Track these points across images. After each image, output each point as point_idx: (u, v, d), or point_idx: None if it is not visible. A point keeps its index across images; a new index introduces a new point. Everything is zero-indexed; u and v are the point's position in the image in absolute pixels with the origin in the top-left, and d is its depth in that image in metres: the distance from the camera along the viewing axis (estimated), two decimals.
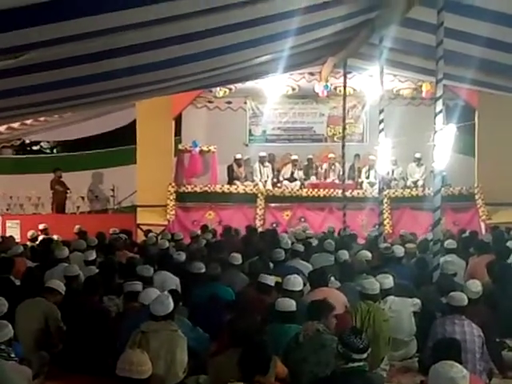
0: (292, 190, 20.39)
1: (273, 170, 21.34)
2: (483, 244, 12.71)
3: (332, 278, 9.67)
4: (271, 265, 10.88)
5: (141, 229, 18.46)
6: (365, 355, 5.68)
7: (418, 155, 20.50)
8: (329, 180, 20.82)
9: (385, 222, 17.72)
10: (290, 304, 7.44)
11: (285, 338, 7.01)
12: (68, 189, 21.55)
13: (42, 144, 30.40)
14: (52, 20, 7.24)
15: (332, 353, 6.13)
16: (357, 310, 8.07)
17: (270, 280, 8.89)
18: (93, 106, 16.46)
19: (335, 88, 20.22)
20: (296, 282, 8.38)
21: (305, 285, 9.62)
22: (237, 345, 6.25)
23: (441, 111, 10.66)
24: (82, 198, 22.46)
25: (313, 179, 21.12)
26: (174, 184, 19.87)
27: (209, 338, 7.88)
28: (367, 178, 20.89)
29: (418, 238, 14.97)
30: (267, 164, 21.14)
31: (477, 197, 19.98)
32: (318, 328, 6.86)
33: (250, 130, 22.54)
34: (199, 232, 15.99)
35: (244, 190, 20.14)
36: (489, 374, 7.61)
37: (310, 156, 21.72)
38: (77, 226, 16.40)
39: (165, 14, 8.33)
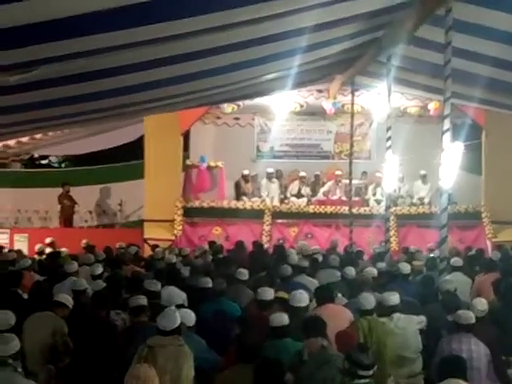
0: (299, 206, 20.38)
1: (280, 186, 21.33)
2: (489, 262, 12.69)
3: (339, 295, 9.67)
4: (278, 281, 10.88)
5: (148, 243, 18.45)
6: (371, 372, 5.70)
7: (422, 172, 20.41)
8: (335, 197, 20.79)
9: (391, 239, 17.70)
10: (282, 318, 7.44)
11: (284, 354, 7.00)
12: (76, 203, 21.61)
13: (50, 158, 30.52)
14: (63, 36, 7.31)
15: (337, 369, 6.14)
16: (359, 327, 8.07)
17: (269, 295, 8.84)
18: (101, 122, 16.55)
19: (343, 105, 20.35)
20: (302, 298, 8.38)
21: (311, 301, 9.65)
22: (244, 360, 6.28)
23: (448, 129, 10.67)
24: (90, 212, 22.55)
25: (320, 196, 21.09)
26: (181, 199, 19.88)
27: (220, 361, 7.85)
28: (374, 195, 20.86)
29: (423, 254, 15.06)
30: (274, 180, 21.15)
31: (483, 215, 19.96)
32: (322, 344, 6.87)
33: (257, 146, 22.53)
34: (206, 247, 16.01)
35: (251, 206, 20.15)
36: None
37: (318, 173, 21.70)
38: (84, 241, 16.42)
39: (175, 31, 8.39)
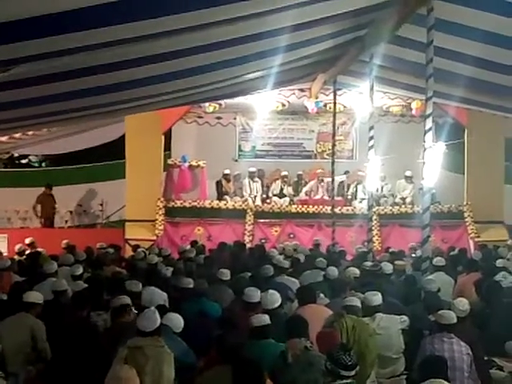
0: (281, 206, 20.34)
1: (262, 185, 21.30)
2: (472, 262, 12.73)
3: (321, 295, 9.65)
4: (259, 281, 10.82)
5: (129, 244, 18.35)
6: (353, 372, 5.67)
7: (408, 173, 20.44)
8: (318, 196, 20.77)
9: (374, 239, 17.70)
10: (263, 318, 7.41)
11: (265, 355, 6.97)
12: (55, 203, 21.46)
13: (30, 158, 30.21)
14: (41, 35, 7.22)
15: (320, 371, 6.10)
16: (342, 327, 8.02)
17: (254, 297, 8.73)
18: (82, 121, 16.44)
19: (325, 105, 20.30)
20: (273, 299, 8.34)
21: (293, 301, 9.62)
22: (224, 361, 6.23)
23: (430, 129, 10.70)
24: (71, 212, 22.40)
25: (302, 195, 21.06)
26: (162, 199, 19.80)
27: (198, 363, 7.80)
28: (356, 194, 20.85)
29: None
30: (257, 179, 21.11)
31: (466, 214, 20.01)
32: (305, 345, 6.83)
33: (239, 146, 22.47)
34: (188, 247, 15.94)
35: (233, 205, 20.09)
36: None
37: (300, 172, 21.68)
38: (65, 241, 16.26)
39: (154, 30, 8.33)
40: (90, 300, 8.88)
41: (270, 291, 8.54)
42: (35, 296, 8.72)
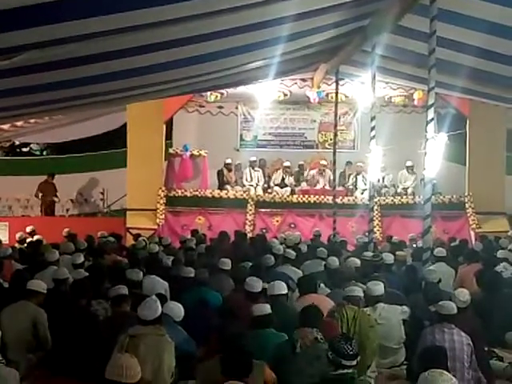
0: (282, 195, 20.36)
1: (263, 175, 21.30)
2: (473, 253, 12.73)
3: (322, 285, 9.65)
4: (260, 270, 10.82)
5: (130, 233, 18.36)
6: (354, 362, 5.67)
7: (409, 163, 20.46)
8: (319, 186, 20.77)
9: (375, 229, 17.68)
10: (265, 308, 7.43)
11: (266, 344, 7.00)
12: (56, 191, 21.46)
13: (31, 146, 30.24)
14: (46, 22, 7.21)
15: (326, 364, 6.10)
16: (343, 316, 8.03)
17: (257, 287, 8.72)
18: (84, 109, 16.40)
19: (327, 94, 20.25)
20: (280, 287, 8.43)
21: (294, 291, 9.61)
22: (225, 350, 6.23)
23: (432, 119, 10.66)
24: (72, 200, 22.41)
25: (303, 185, 21.06)
26: (164, 188, 19.83)
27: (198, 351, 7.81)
28: (358, 184, 20.85)
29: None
30: (257, 168, 21.14)
31: (467, 205, 20.02)
32: (316, 336, 6.81)
33: (241, 135, 22.50)
34: (189, 236, 15.95)
35: (234, 195, 20.10)
36: (477, 382, 7.59)
37: (301, 162, 21.70)
38: (66, 229, 16.26)
39: (158, 18, 8.30)
40: (90, 288, 8.88)
41: (278, 281, 8.58)
42: (39, 284, 8.71)
